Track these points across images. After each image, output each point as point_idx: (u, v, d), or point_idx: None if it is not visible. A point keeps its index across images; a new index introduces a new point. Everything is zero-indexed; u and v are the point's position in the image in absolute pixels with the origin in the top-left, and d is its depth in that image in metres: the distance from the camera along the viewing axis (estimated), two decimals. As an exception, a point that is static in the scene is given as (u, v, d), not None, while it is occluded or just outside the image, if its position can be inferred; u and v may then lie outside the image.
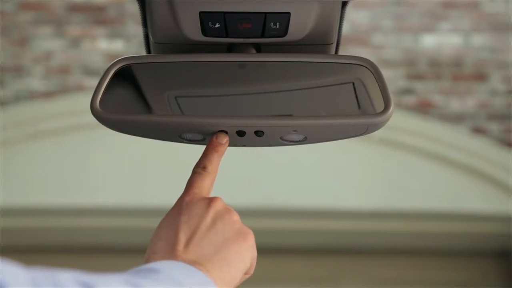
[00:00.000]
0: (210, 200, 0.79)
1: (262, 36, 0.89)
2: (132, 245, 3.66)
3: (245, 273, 0.78)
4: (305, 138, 0.87)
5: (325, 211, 3.47)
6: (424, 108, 3.60)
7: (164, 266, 0.69)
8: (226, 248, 0.75)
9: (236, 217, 0.79)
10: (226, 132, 0.85)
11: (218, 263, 0.74)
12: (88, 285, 0.53)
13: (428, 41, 3.71)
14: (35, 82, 3.59)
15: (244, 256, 0.76)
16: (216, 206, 0.78)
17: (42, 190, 3.40)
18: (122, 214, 3.48)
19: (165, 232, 0.76)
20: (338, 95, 0.90)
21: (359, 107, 0.88)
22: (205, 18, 0.87)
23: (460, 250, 3.72)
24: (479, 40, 3.69)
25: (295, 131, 0.86)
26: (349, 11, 0.90)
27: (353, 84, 0.89)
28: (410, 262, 3.75)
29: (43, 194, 3.39)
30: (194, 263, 0.72)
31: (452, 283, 3.70)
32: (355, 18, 3.64)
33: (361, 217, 3.53)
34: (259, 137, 0.86)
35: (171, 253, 0.73)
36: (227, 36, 0.88)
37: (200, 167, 0.83)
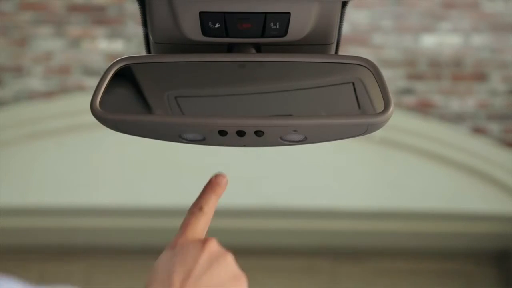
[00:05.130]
0: (205, 241, 0.78)
1: (262, 36, 0.88)
2: (132, 245, 3.67)
3: None
4: (305, 138, 0.87)
5: (325, 211, 3.47)
6: (424, 108, 3.60)
7: None
8: None
9: (230, 259, 0.78)
10: (226, 132, 0.85)
11: None
12: None
13: (428, 41, 3.70)
14: (35, 82, 3.59)
15: None
16: (211, 248, 0.78)
17: (42, 190, 3.39)
18: (122, 214, 3.48)
19: (159, 274, 0.75)
20: (338, 95, 0.90)
21: (359, 107, 0.87)
22: (205, 18, 0.87)
23: (460, 250, 3.72)
24: (479, 40, 3.69)
25: (295, 131, 0.85)
26: (349, 11, 0.90)
27: (353, 84, 0.89)
28: (410, 262, 3.75)
29: (43, 194, 3.39)
30: None
31: (452, 283, 3.70)
32: (355, 18, 3.64)
33: (361, 217, 3.53)
34: (259, 137, 0.85)
35: None
36: (227, 36, 0.88)
37: (196, 207, 0.82)
